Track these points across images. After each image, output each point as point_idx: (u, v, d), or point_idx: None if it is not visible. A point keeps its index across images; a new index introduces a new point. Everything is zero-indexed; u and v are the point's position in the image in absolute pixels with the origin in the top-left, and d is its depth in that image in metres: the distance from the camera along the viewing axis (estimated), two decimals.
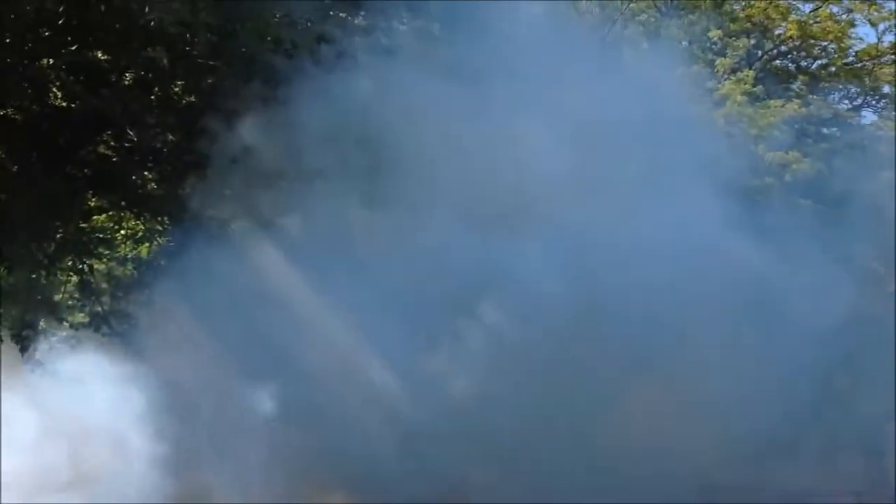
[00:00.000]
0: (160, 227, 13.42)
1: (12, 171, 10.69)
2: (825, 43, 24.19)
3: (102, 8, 9.60)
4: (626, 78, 17.06)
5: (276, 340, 13.69)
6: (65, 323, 14.36)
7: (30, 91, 10.45)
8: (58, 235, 11.65)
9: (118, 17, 9.87)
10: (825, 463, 18.65)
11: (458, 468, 13.64)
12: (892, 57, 24.15)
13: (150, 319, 14.39)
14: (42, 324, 13.79)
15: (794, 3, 24.04)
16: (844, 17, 24.06)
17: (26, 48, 10.19)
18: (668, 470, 14.25)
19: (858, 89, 24.76)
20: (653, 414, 14.47)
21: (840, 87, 24.86)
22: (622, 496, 13.74)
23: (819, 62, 24.91)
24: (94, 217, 13.28)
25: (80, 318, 14.42)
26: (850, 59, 24.66)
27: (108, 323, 13.45)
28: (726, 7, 23.30)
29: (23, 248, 11.09)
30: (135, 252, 14.31)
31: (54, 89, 10.57)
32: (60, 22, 9.94)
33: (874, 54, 24.19)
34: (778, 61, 24.70)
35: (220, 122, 10.90)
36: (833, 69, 24.48)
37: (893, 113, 24.15)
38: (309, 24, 11.39)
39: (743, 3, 23.67)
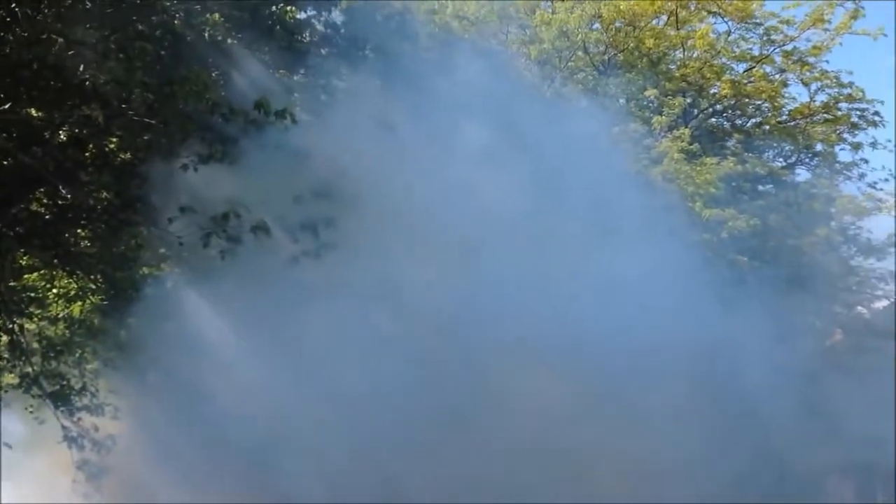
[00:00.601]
0: (93, 286, 13.15)
1: None
2: (759, 102, 24.65)
3: (36, 66, 9.44)
4: (565, 135, 17.27)
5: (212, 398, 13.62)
6: None
7: None
8: None
9: (53, 75, 9.72)
10: None
11: None
12: (825, 116, 24.67)
13: (81, 380, 14.14)
14: None
15: (728, 63, 24.51)
16: (777, 76, 24.49)
17: None
18: None
19: (792, 147, 25.09)
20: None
21: (774, 145, 25.19)
22: None
23: (753, 121, 25.34)
24: (26, 275, 13.00)
25: (10, 378, 14.04)
26: (784, 117, 25.11)
27: (39, 384, 13.10)
28: (662, 67, 23.68)
29: None
30: (67, 311, 13.97)
31: None
32: None
33: (807, 113, 24.65)
34: (713, 120, 25.07)
35: (158, 180, 10.80)
36: (767, 128, 24.88)
37: (826, 171, 24.70)
38: (247, 82, 11.36)
39: (678, 63, 24.07)
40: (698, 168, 20.71)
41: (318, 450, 14.17)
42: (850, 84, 23.99)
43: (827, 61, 24.05)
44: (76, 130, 10.74)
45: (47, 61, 9.46)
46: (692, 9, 24.08)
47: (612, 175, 17.76)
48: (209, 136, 9.83)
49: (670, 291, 16.28)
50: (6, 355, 13.75)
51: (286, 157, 11.32)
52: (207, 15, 10.82)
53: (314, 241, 11.09)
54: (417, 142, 14.40)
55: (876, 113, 24.10)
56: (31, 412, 14.96)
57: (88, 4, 9.95)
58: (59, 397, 13.51)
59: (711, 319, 16.46)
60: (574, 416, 14.46)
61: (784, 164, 25.24)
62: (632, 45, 23.53)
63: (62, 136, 10.85)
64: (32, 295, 13.65)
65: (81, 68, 9.62)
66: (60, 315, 14.14)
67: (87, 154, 11.03)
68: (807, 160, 25.51)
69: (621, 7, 23.57)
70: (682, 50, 24.09)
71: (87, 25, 9.70)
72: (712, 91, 24.02)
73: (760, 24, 24.11)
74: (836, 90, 24.18)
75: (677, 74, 23.50)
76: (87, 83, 9.60)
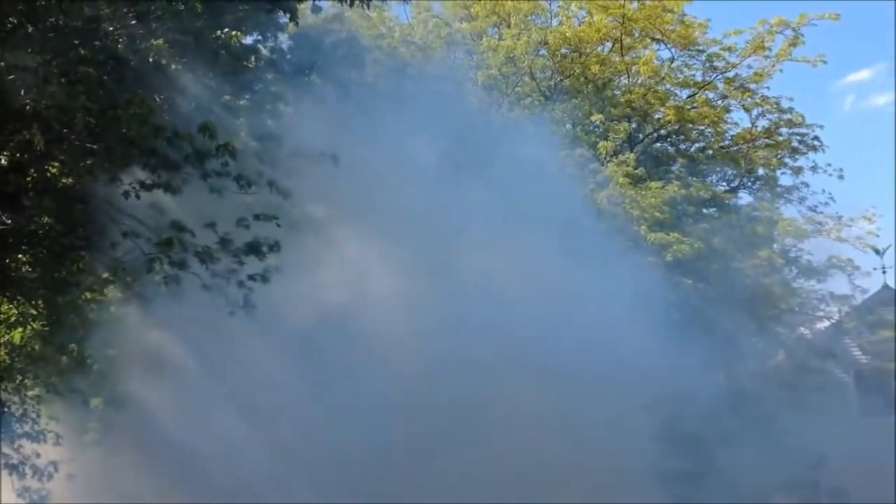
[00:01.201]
0: (34, 311, 12.98)
1: None
2: (702, 127, 25.08)
3: None
4: (512, 160, 17.45)
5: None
6: None
7: None
8: None
9: None
10: None
11: None
12: (766, 141, 25.17)
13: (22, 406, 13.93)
14: None
15: (672, 89, 24.92)
16: (720, 102, 24.95)
17: None
18: None
19: (735, 171, 25.57)
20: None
21: (717, 169, 25.64)
22: None
23: (697, 145, 25.76)
24: None
25: None
26: (727, 142, 25.57)
27: None
28: (607, 92, 23.99)
29: None
30: (7, 337, 13.76)
31: None
32: None
33: (748, 138, 25.14)
34: (658, 144, 25.43)
35: (101, 204, 10.71)
36: (710, 152, 25.31)
37: (768, 194, 25.16)
38: (192, 106, 11.34)
39: (623, 89, 24.41)
40: (643, 192, 20.95)
41: (268, 468, 14.16)
42: (791, 109, 24.59)
43: (768, 87, 24.66)
44: (17, 155, 10.61)
45: None
46: (636, 36, 24.45)
47: (558, 200, 17.97)
48: (152, 161, 9.77)
49: (616, 313, 16.48)
50: None
51: (231, 182, 11.31)
52: (151, 40, 10.77)
53: (260, 264, 11.06)
54: (364, 166, 14.47)
55: (815, 138, 24.71)
56: None
57: (30, 29, 9.89)
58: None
59: (656, 341, 16.68)
60: (512, 432, 14.55)
61: (727, 188, 25.67)
62: (577, 71, 23.83)
63: (3, 161, 10.70)
64: None
65: (23, 93, 9.53)
66: (1, 341, 13.91)
67: (28, 179, 10.89)
68: (749, 184, 25.99)
69: (567, 34, 23.90)
70: (626, 76, 24.45)
71: (29, 50, 9.64)
72: (657, 116, 24.37)
73: (703, 52, 24.61)
74: (776, 115, 24.74)
75: (622, 100, 23.81)
76: (29, 108, 9.51)
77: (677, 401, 16.24)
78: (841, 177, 24.90)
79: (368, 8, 13.16)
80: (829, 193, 24.82)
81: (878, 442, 24.14)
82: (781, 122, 24.74)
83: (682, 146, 25.75)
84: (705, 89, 24.74)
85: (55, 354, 13.19)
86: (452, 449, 14.81)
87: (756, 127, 25.06)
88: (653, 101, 23.93)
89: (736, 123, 25.48)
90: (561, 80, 24.09)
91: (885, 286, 26.23)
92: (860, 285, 23.83)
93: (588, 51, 24.08)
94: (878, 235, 23.91)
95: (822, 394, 22.19)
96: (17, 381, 13.87)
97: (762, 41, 23.96)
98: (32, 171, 10.77)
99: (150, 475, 14.96)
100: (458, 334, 14.56)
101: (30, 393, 14.27)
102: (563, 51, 24.20)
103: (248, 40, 12.78)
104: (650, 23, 23.74)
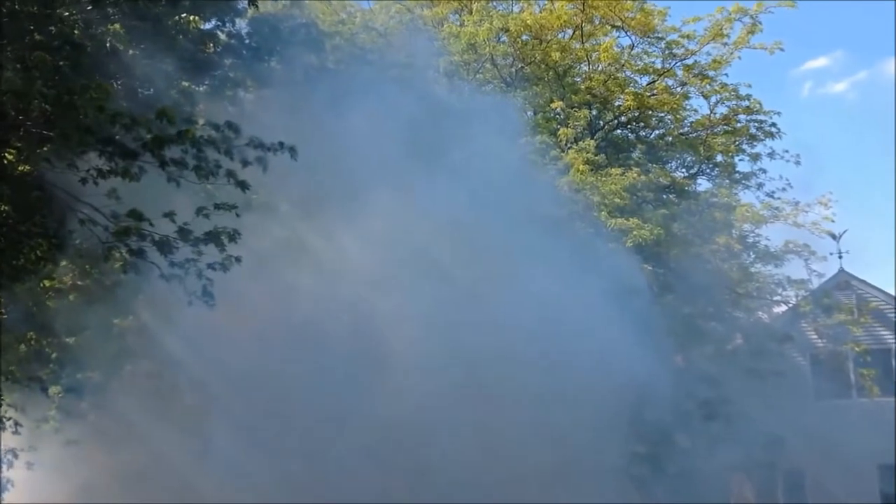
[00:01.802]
0: None
1: None
2: (662, 114, 25.24)
3: None
4: (473, 147, 17.49)
5: None
6: None
7: None
8: None
9: None
10: None
11: None
12: (724, 127, 25.40)
13: None
14: None
15: (632, 76, 25.09)
16: (679, 89, 25.09)
17: None
18: None
19: (694, 158, 25.75)
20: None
21: (677, 155, 25.86)
22: None
23: (657, 132, 25.98)
24: None
25: None
26: (686, 129, 25.80)
27: None
28: (568, 79, 24.08)
29: None
30: None
31: None
32: None
33: (707, 125, 25.32)
34: (618, 131, 25.57)
35: (59, 192, 10.60)
36: (670, 139, 25.53)
37: (726, 181, 25.43)
38: (150, 92, 11.29)
39: (584, 76, 24.52)
40: (603, 179, 21.04)
41: (231, 454, 14.16)
42: (749, 96, 24.80)
43: (726, 75, 24.81)
44: None
45: None
46: (596, 23, 24.54)
47: (519, 186, 18.06)
48: (109, 148, 9.69)
49: (576, 300, 16.62)
50: None
51: (190, 172, 11.24)
52: (108, 25, 10.69)
53: (219, 254, 11.01)
54: (325, 152, 14.45)
55: (773, 124, 24.95)
56: None
57: None
58: None
59: (616, 326, 16.84)
60: (470, 419, 14.64)
61: (686, 174, 25.87)
62: (538, 57, 23.88)
63: None
64: None
65: None
66: None
67: None
68: (708, 170, 26.18)
69: (528, 21, 23.94)
70: (587, 63, 24.54)
71: None
72: (617, 103, 24.46)
73: (662, 39, 24.74)
74: (734, 102, 24.94)
75: (583, 87, 23.91)
76: None
77: (637, 386, 16.39)
78: (798, 163, 25.19)
79: None
80: (787, 179, 25.13)
81: (833, 424, 24.59)
82: (739, 109, 24.97)
83: (642, 133, 25.95)
84: (665, 76, 24.88)
85: (13, 343, 13.08)
86: (415, 435, 14.88)
87: (714, 114, 25.23)
88: (613, 87, 24.03)
89: (695, 110, 25.70)
90: (522, 67, 24.15)
91: (841, 270, 26.65)
92: (816, 270, 24.18)
93: (549, 38, 24.12)
94: (833, 221, 24.25)
95: (779, 377, 22.60)
96: None
97: (720, 28, 24.14)
98: None
99: (111, 463, 14.92)
100: (416, 320, 14.61)
101: None
102: (524, 38, 24.24)
103: (207, 26, 12.73)
104: (610, 10, 23.84)
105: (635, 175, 21.55)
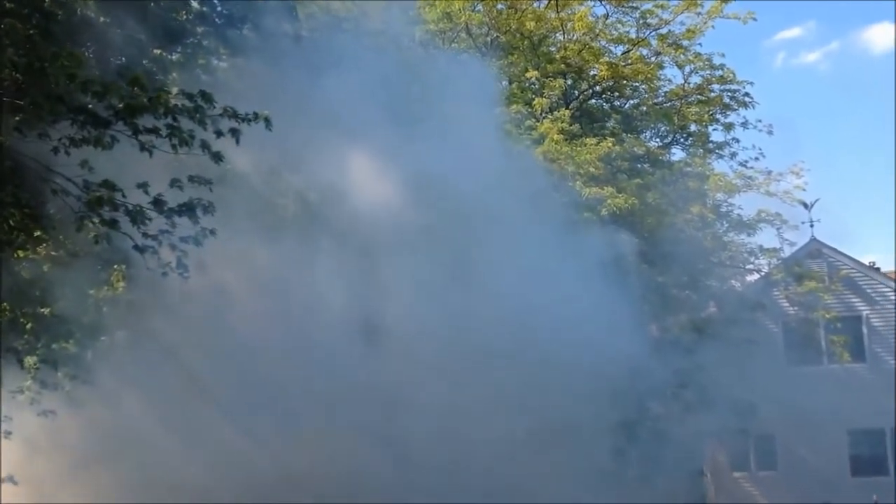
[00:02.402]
0: None
1: None
2: (636, 84, 25.31)
3: None
4: (448, 115, 17.44)
5: None
6: None
7: None
8: None
9: None
10: (647, 485, 19.42)
11: None
12: (698, 97, 25.49)
13: None
14: None
15: (607, 45, 25.08)
16: (653, 59, 25.13)
17: None
18: None
19: (668, 128, 25.91)
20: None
21: (651, 125, 25.99)
22: None
23: (631, 102, 26.07)
24: None
25: None
26: (660, 99, 25.89)
27: None
28: (543, 49, 24.07)
29: None
30: None
31: None
32: None
33: (681, 94, 25.43)
34: (593, 101, 25.63)
35: (31, 161, 10.50)
36: (644, 109, 25.62)
37: (700, 150, 25.55)
38: (122, 61, 11.17)
39: (559, 46, 24.49)
40: (578, 148, 21.09)
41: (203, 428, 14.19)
42: (722, 66, 24.92)
43: (700, 44, 24.92)
44: None
45: None
46: None
47: (494, 156, 18.05)
48: (81, 117, 9.59)
49: (550, 268, 16.70)
50: None
51: (163, 141, 11.16)
52: None
53: (193, 226, 10.94)
54: (298, 122, 14.38)
55: (746, 94, 25.08)
56: None
57: None
58: None
59: (592, 295, 16.94)
60: (448, 391, 14.71)
61: (660, 144, 26.01)
62: (513, 27, 23.83)
63: None
64: None
65: None
66: None
67: None
68: (682, 140, 26.36)
69: None
70: (562, 32, 24.51)
71: None
72: (591, 73, 24.50)
73: (637, 8, 24.78)
74: (708, 72, 25.03)
75: (558, 56, 23.91)
76: None
77: (609, 353, 16.49)
78: (770, 132, 25.38)
79: None
80: (759, 149, 25.34)
81: (804, 390, 24.94)
82: (713, 79, 25.07)
83: (617, 103, 26.03)
84: (639, 46, 24.93)
85: None
86: (398, 399, 14.93)
87: (688, 83, 25.35)
88: (588, 57, 24.03)
89: (669, 80, 25.85)
90: (497, 36, 24.10)
91: (813, 239, 26.91)
92: (788, 238, 24.40)
93: (524, 7, 24.07)
94: (805, 189, 24.45)
95: (752, 344, 22.85)
96: None
97: None
98: None
99: (87, 435, 14.89)
100: (392, 285, 14.63)
101: None
102: (499, 7, 24.19)
103: None
104: None
105: (610, 145, 21.60)
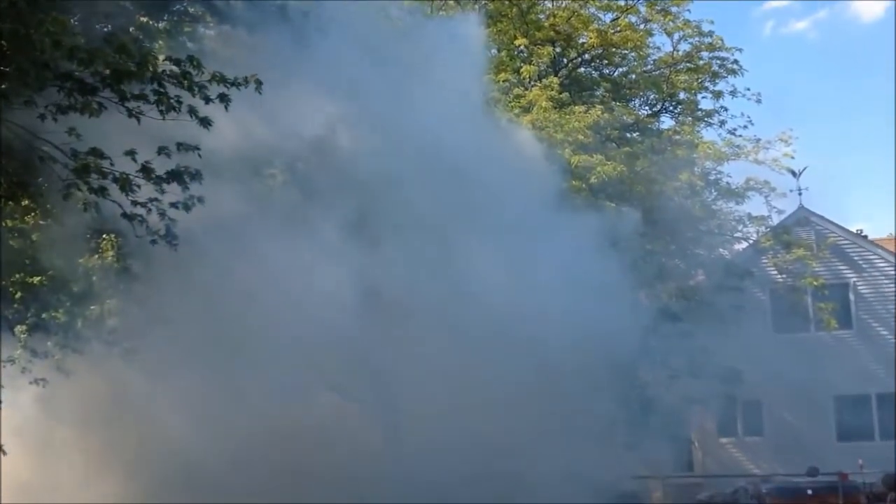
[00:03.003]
0: None
1: None
2: (625, 51, 25.24)
3: None
4: (435, 84, 17.38)
5: None
6: None
7: None
8: None
9: None
10: (635, 451, 19.61)
11: None
12: (687, 65, 25.45)
13: None
14: None
15: (596, 13, 24.98)
16: (642, 26, 25.08)
17: None
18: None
19: (657, 96, 25.86)
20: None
21: (640, 93, 25.93)
22: None
23: (620, 70, 25.98)
24: None
25: None
26: (649, 67, 25.85)
27: None
28: (531, 16, 23.95)
29: None
30: None
31: None
32: None
33: (670, 62, 25.41)
34: (582, 69, 25.55)
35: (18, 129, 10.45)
36: (633, 77, 25.56)
37: (689, 118, 25.55)
38: (107, 28, 11.09)
39: (547, 13, 24.38)
40: (567, 116, 21.07)
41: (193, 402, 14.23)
42: (711, 33, 24.86)
43: (689, 11, 24.86)
44: None
45: None
46: None
47: (482, 124, 18.02)
48: (68, 84, 9.55)
49: (539, 238, 16.74)
50: None
51: (151, 108, 11.11)
52: None
53: (182, 193, 10.92)
54: (287, 89, 14.32)
55: (735, 62, 25.04)
56: None
57: None
58: None
59: (581, 263, 16.99)
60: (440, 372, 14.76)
61: (649, 112, 25.99)
62: None
63: None
64: None
65: None
66: None
67: None
68: (671, 108, 26.31)
69: None
70: (551, 0, 24.43)
71: None
72: (580, 41, 24.42)
73: None
74: (697, 39, 24.98)
75: (546, 24, 23.82)
76: None
77: (598, 320, 16.55)
78: (759, 101, 25.36)
79: None
80: (748, 117, 25.35)
81: (791, 357, 25.14)
82: (702, 46, 25.01)
83: (606, 71, 25.96)
84: (628, 13, 24.85)
85: None
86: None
87: (677, 51, 25.31)
88: (577, 24, 23.96)
89: (658, 48, 25.76)
90: (485, 3, 23.96)
91: (801, 207, 27.01)
92: (776, 206, 24.49)
93: None
94: (793, 157, 24.48)
95: (739, 311, 22.99)
96: None
97: None
98: None
99: (78, 403, 14.93)
100: (379, 258, 14.64)
101: None
102: None
103: None
104: None
105: (599, 113, 21.60)
